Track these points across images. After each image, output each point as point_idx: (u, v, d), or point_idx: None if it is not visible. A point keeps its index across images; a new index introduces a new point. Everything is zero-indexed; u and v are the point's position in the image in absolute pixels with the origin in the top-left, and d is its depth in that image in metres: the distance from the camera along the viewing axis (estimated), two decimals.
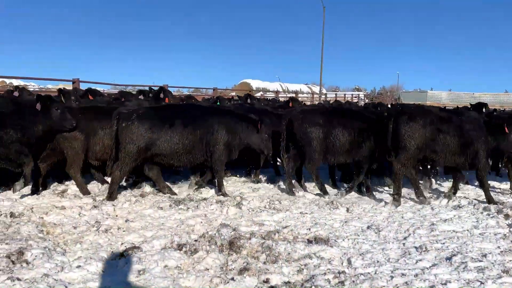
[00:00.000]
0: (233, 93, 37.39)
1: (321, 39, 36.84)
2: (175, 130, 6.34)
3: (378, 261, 4.25)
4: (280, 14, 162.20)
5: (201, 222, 5.38)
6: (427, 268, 4.11)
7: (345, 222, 5.56)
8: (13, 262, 3.89)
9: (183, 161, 6.59)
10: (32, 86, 33.89)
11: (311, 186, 7.53)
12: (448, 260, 4.29)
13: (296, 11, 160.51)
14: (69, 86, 19.35)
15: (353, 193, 7.27)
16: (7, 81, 38.64)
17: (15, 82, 38.92)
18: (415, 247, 4.67)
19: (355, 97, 41.01)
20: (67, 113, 6.27)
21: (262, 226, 5.27)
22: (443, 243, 4.82)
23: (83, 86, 15.91)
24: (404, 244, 4.80)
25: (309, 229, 5.21)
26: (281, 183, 7.70)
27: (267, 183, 7.76)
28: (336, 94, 42.71)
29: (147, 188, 6.99)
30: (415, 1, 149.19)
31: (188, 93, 20.19)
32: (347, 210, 6.15)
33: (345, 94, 41.59)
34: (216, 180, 6.80)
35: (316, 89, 45.04)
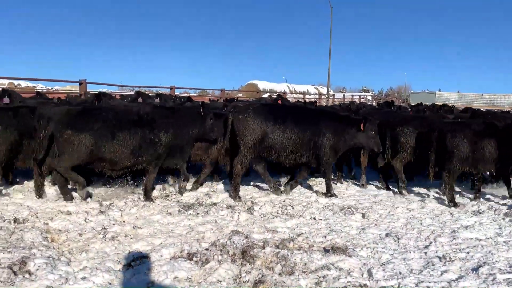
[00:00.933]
0: (240, 94, 37.21)
1: (328, 39, 36.57)
2: (286, 127, 6.58)
3: (400, 273, 4.00)
4: (286, 15, 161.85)
5: (212, 229, 5.15)
6: (453, 280, 3.87)
7: (362, 229, 5.31)
8: (15, 273, 3.67)
9: (290, 159, 6.77)
10: (40, 87, 34.03)
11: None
12: (474, 272, 4.04)
13: (302, 12, 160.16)
14: (76, 87, 19.25)
15: (367, 196, 7.06)
16: (15, 82, 38.85)
17: (23, 84, 39.20)
18: (438, 257, 4.42)
19: (363, 98, 40.65)
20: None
21: (275, 233, 5.03)
22: (467, 253, 4.57)
23: (90, 87, 15.83)
24: (426, 253, 4.55)
25: (325, 236, 4.97)
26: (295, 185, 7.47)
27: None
28: (343, 95, 42.37)
29: (154, 192, 6.79)
30: (422, 1, 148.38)
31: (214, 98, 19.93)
32: (363, 216, 5.91)
33: (352, 95, 41.21)
34: (325, 183, 7.01)
35: (323, 90, 44.75)
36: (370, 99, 44.91)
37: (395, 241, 4.89)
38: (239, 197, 6.54)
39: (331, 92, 42.00)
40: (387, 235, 5.07)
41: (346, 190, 7.59)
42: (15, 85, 38.09)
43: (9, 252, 4.12)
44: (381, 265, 4.16)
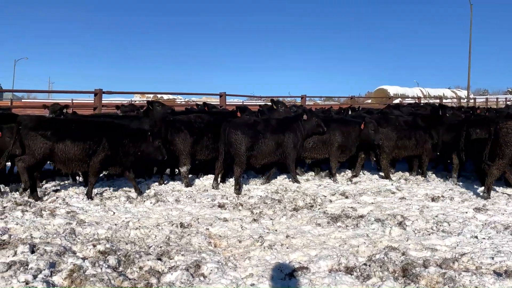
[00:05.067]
0: (369, 101, 36.22)
1: (467, 37, 33.69)
2: None
3: None
4: (418, 14, 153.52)
5: (365, 242, 5.06)
6: None
7: None
8: (192, 275, 4.05)
9: None
10: (179, 99, 37.38)
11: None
12: None
13: (437, 10, 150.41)
14: (211, 100, 20.68)
15: None
16: (159, 95, 43.29)
17: (165, 96, 43.47)
18: None
19: (509, 101, 36.52)
20: None
21: (434, 251, 4.76)
22: None
23: (228, 99, 16.90)
24: None
25: (493, 258, 4.54)
26: (447, 200, 7.02)
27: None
28: (486, 98, 38.54)
29: (299, 202, 6.94)
30: None
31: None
32: None
33: (497, 98, 37.33)
34: None
35: (461, 93, 41.36)
36: None
37: None
38: None
39: (471, 96, 38.53)
40: None
41: (506, 206, 6.87)
42: (158, 97, 42.40)
43: (182, 255, 4.55)
44: None
